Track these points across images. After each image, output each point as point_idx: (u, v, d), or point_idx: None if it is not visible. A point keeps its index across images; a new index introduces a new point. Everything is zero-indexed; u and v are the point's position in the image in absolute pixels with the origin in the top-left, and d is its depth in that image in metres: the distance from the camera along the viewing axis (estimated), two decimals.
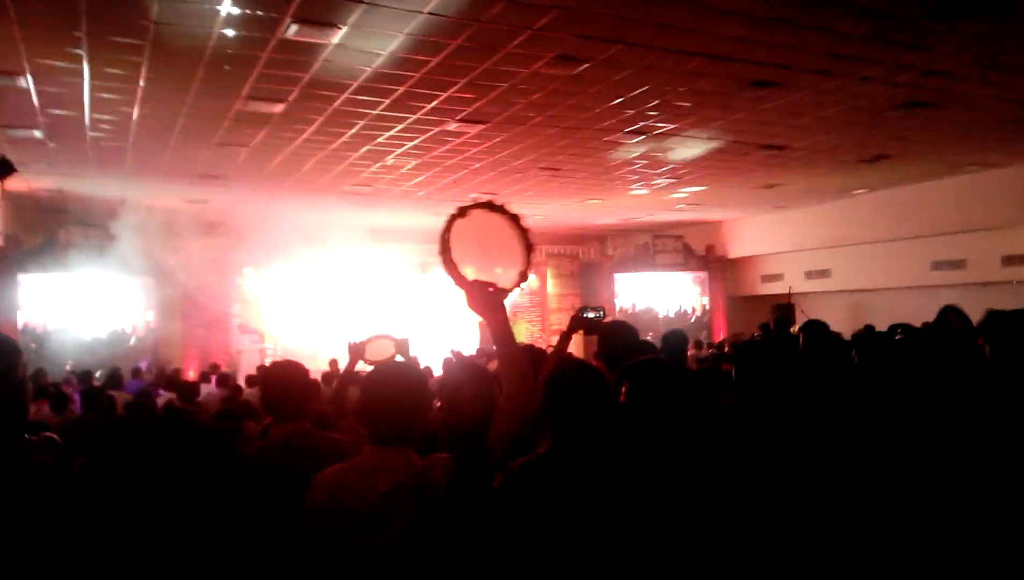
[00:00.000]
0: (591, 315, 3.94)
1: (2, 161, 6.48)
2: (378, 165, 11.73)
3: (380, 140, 10.26)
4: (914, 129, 10.20)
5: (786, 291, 16.08)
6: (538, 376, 2.53)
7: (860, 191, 14.93)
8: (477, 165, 11.83)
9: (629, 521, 2.22)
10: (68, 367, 12.53)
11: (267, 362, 14.90)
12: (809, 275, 16.91)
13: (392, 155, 11.11)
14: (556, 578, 2.19)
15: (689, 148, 10.91)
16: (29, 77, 7.65)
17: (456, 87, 8.07)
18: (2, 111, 8.74)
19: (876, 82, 8.14)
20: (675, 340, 5.45)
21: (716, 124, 9.71)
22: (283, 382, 3.33)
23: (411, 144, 10.50)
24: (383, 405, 2.39)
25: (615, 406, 2.54)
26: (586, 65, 7.44)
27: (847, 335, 8.82)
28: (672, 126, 9.73)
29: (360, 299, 18.11)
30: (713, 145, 10.76)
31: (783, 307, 17.57)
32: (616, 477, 2.30)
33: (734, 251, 19.17)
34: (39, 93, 8.13)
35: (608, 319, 4.30)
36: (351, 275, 17.92)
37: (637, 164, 11.92)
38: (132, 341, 15.81)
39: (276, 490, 2.92)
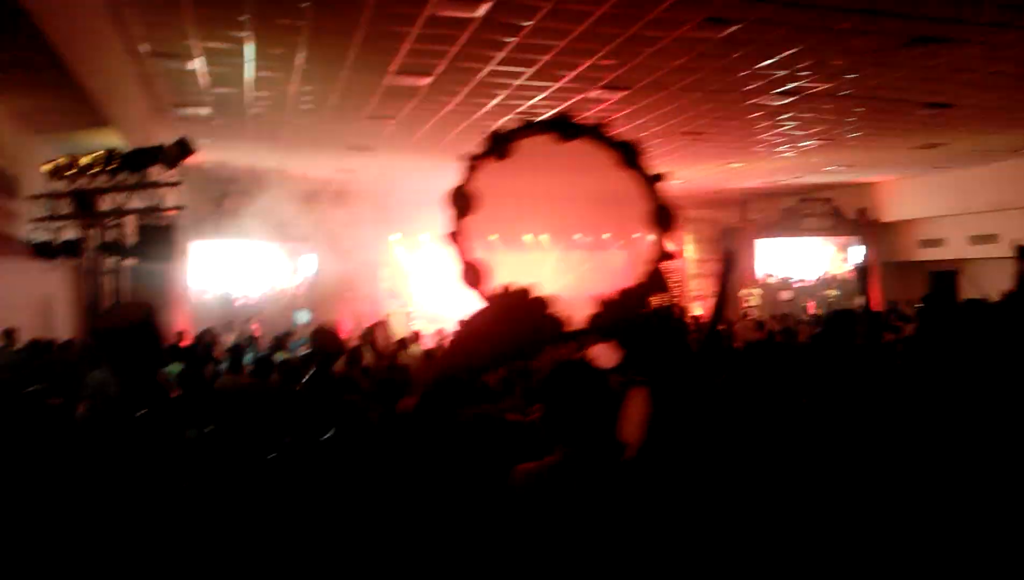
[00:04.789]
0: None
1: (183, 143, 7.02)
2: None
3: (522, 109, 10.34)
4: None
5: (947, 257, 15.10)
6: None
7: None
8: (616, 131, 11.69)
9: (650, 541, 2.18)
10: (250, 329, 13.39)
11: (416, 326, 15.52)
12: (974, 240, 15.73)
13: None
14: None
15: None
16: (199, 60, 8.20)
17: (600, 54, 8.00)
18: (175, 91, 9.43)
19: None
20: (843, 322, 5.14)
21: (873, 83, 9.16)
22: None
23: (552, 112, 10.51)
24: (576, 407, 2.34)
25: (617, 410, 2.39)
26: (736, 27, 7.19)
27: None
28: (825, 86, 9.26)
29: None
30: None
31: (942, 275, 16.51)
32: (634, 492, 2.23)
33: (889, 214, 18.08)
34: (207, 74, 8.71)
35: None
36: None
37: (785, 125, 11.44)
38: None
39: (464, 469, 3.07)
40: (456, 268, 1.96)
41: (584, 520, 2.22)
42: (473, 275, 1.94)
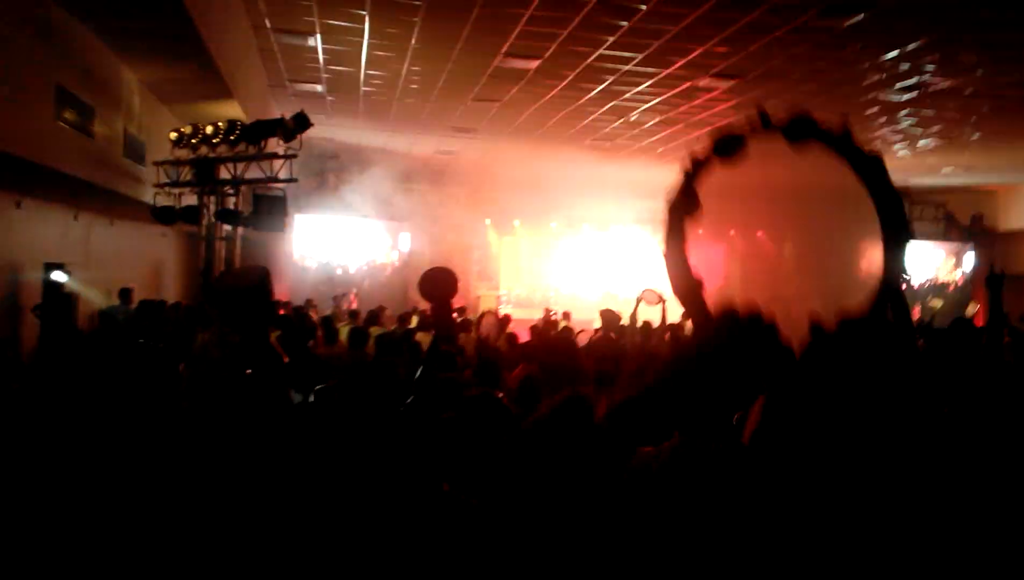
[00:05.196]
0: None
1: (302, 117, 7.27)
2: (621, 121, 11.74)
3: (627, 96, 10.24)
4: None
5: None
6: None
7: None
8: (723, 122, 11.47)
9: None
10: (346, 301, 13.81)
11: (503, 309, 15.66)
12: None
13: (637, 111, 11.06)
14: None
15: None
16: (318, 36, 8.44)
17: (714, 41, 7.84)
18: (293, 67, 9.73)
19: None
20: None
21: (1004, 80, 8.68)
22: (561, 349, 3.42)
23: (657, 100, 10.38)
24: (693, 394, 2.35)
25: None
26: (861, 16, 6.93)
27: None
28: (951, 83, 8.83)
29: (589, 253, 18.44)
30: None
31: None
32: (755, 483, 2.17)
33: (1007, 223, 17.13)
34: (324, 51, 8.95)
35: None
36: (582, 229, 18.24)
37: (902, 123, 10.97)
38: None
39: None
40: (671, 279, 1.77)
41: (700, 503, 2.22)
42: (691, 289, 1.75)
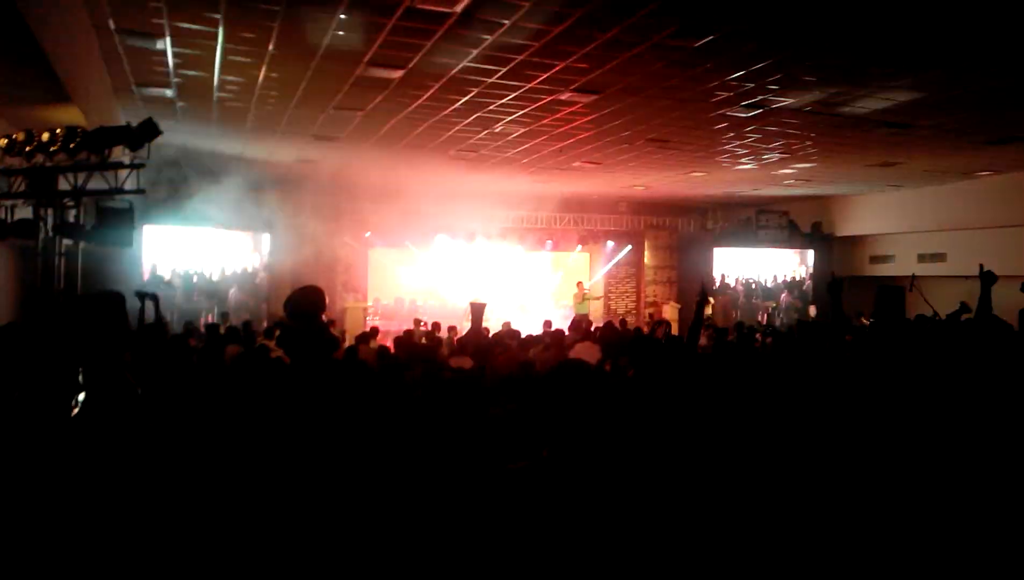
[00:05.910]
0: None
1: (150, 124, 6.83)
2: (486, 132, 11.82)
3: (491, 108, 10.32)
4: None
5: (896, 274, 15.52)
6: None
7: (985, 173, 14.17)
8: (584, 135, 11.78)
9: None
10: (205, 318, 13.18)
11: (370, 321, 15.41)
12: (922, 258, 16.24)
13: (501, 123, 11.17)
14: None
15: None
16: (167, 39, 7.99)
17: (574, 57, 8.02)
18: (140, 71, 9.17)
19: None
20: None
21: (840, 99, 9.37)
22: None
23: (521, 112, 10.52)
24: (574, 403, 2.40)
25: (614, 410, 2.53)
26: (710, 37, 7.28)
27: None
28: (792, 101, 9.44)
29: (457, 263, 18.47)
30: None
31: (889, 290, 16.98)
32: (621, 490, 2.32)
33: (842, 229, 18.54)
34: (174, 55, 8.49)
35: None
36: (448, 240, 18.25)
37: (749, 137, 11.63)
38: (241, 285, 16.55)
39: None
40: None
41: (565, 513, 2.30)
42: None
